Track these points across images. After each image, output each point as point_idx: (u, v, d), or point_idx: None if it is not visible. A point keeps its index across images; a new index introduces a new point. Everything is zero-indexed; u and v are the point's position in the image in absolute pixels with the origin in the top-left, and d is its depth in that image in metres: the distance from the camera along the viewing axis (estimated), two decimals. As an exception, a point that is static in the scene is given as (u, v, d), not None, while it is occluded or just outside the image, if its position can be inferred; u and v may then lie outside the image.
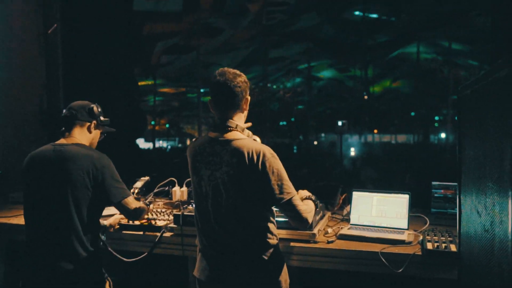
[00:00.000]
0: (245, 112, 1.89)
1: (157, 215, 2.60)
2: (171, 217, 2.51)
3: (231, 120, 1.81)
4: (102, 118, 2.18)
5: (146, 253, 2.33)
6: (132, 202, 2.07)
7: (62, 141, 2.05)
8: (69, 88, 4.28)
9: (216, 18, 12.30)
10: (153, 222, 2.44)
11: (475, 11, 12.39)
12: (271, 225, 1.81)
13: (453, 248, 1.94)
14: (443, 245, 1.98)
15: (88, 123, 2.12)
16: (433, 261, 1.96)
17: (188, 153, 1.88)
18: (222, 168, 1.74)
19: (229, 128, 1.80)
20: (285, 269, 1.86)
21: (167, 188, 2.98)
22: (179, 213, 2.34)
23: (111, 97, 4.07)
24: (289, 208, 1.75)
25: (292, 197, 1.74)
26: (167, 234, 2.38)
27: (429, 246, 1.98)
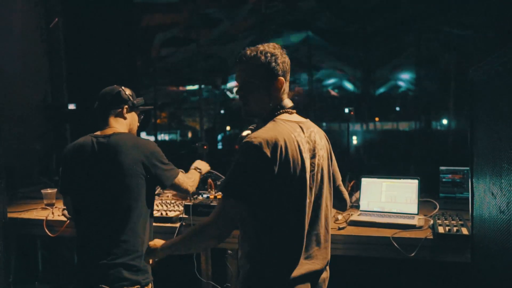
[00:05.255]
0: None
1: (167, 206, 2.62)
2: (181, 208, 2.52)
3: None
4: (133, 100, 2.09)
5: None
6: (183, 181, 2.11)
7: (102, 132, 1.99)
8: (73, 81, 4.28)
9: (214, 8, 12.19)
10: (164, 213, 2.46)
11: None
12: None
13: (464, 231, 1.95)
14: (455, 228, 1.99)
15: (120, 109, 2.04)
16: (444, 244, 1.98)
17: (278, 146, 1.42)
18: (319, 152, 1.57)
19: (291, 110, 1.60)
20: None
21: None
22: (190, 203, 2.35)
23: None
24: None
25: None
26: (177, 225, 2.39)
27: (441, 230, 1.99)
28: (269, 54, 1.51)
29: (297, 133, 1.50)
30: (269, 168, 1.40)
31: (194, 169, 2.42)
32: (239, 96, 1.57)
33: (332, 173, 1.70)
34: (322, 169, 1.58)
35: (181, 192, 2.19)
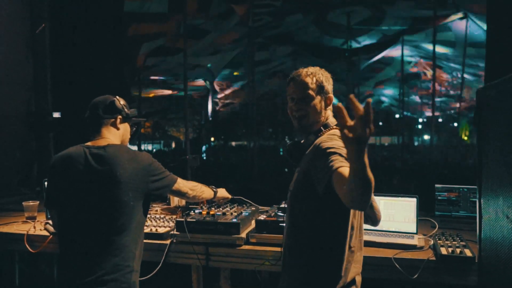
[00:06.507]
0: None
1: (156, 221, 2.50)
2: (171, 224, 2.41)
3: None
4: (127, 110, 1.99)
5: (159, 266, 2.20)
6: (182, 185, 2.05)
7: (94, 143, 1.87)
8: (58, 89, 4.13)
9: (202, 19, 12.18)
10: (154, 229, 2.34)
11: (457, 15, 12.64)
12: None
13: (468, 253, 1.91)
14: (457, 250, 1.94)
15: (113, 119, 1.93)
16: (448, 266, 1.92)
17: None
18: None
19: (337, 127, 1.72)
20: None
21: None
22: (182, 219, 2.25)
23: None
24: None
25: None
26: (167, 241, 2.27)
27: (443, 251, 1.94)
28: (321, 74, 1.70)
29: None
30: None
31: (210, 187, 2.37)
32: (297, 109, 1.68)
33: None
34: None
35: (181, 197, 2.14)
